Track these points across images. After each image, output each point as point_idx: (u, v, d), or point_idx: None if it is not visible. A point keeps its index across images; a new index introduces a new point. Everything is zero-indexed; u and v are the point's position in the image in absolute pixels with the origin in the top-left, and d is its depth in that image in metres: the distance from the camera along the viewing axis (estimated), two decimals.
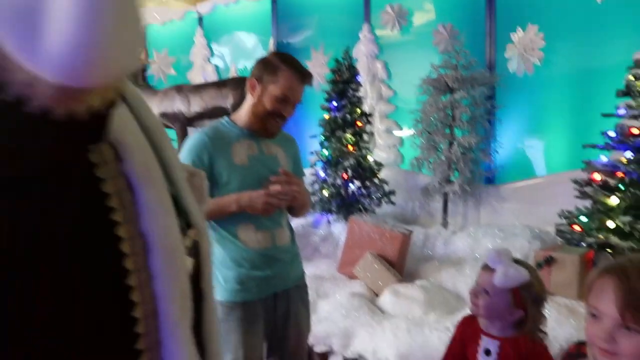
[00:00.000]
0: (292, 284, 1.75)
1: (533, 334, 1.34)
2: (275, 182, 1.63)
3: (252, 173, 1.66)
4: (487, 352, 1.35)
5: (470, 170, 4.37)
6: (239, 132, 1.71)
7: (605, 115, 3.32)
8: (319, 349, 2.78)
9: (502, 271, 1.29)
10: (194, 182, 0.77)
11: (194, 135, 1.72)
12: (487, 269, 1.36)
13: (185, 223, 0.67)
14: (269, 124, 1.69)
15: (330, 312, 2.98)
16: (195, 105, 5.33)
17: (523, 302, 1.31)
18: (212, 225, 1.68)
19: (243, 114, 1.72)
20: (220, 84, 5.38)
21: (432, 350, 2.59)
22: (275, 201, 1.59)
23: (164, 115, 5.39)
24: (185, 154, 1.68)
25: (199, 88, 5.45)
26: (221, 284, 1.67)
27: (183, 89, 5.51)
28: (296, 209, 1.79)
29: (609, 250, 3.05)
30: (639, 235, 2.95)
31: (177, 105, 5.40)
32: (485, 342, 1.36)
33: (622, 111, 3.19)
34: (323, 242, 4.35)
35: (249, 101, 1.72)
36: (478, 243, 3.90)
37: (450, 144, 4.37)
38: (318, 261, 4.02)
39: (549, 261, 3.02)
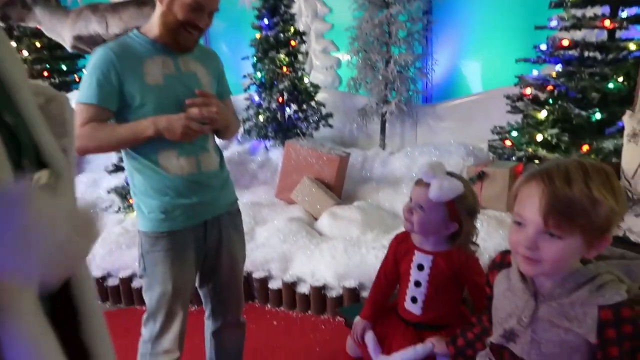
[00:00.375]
0: (223, 211, 1.65)
1: (466, 247, 1.33)
2: (191, 105, 1.47)
3: (169, 93, 1.49)
4: (420, 267, 1.33)
5: (407, 89, 4.32)
6: (150, 46, 1.50)
7: (538, 28, 3.29)
8: (257, 275, 2.76)
9: (436, 184, 1.24)
10: (51, 110, 0.62)
11: (97, 50, 1.49)
12: (421, 183, 1.31)
13: (36, 160, 0.53)
14: (182, 37, 1.49)
15: (268, 238, 2.94)
16: (114, 26, 4.84)
17: (457, 214, 1.29)
18: (129, 153, 1.52)
19: (154, 25, 1.51)
20: (141, 2, 4.88)
21: (370, 268, 2.62)
22: (196, 126, 1.44)
23: (79, 38, 4.87)
24: (87, 74, 1.47)
25: (117, 7, 4.92)
26: (144, 214, 1.55)
27: (99, 8, 4.96)
28: (221, 132, 1.65)
29: (536, 162, 3.14)
30: (564, 147, 3.04)
31: (93, 26, 4.88)
32: (418, 258, 1.34)
33: (554, 23, 3.17)
34: (260, 168, 4.24)
35: (157, 10, 1.50)
36: (415, 162, 3.93)
37: (387, 62, 4.26)
38: (256, 188, 3.93)
39: (481, 176, 3.08)
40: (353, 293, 2.58)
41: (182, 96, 1.49)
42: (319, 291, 2.63)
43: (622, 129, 3.16)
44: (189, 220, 1.56)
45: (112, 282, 2.90)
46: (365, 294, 2.57)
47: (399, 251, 1.39)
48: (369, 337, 1.39)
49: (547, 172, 0.86)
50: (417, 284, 1.34)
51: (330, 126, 4.44)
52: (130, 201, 3.10)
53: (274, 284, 2.76)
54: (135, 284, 2.84)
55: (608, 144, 2.86)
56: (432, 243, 1.33)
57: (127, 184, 2.78)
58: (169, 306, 1.59)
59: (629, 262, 0.92)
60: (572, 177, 0.84)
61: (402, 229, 3.10)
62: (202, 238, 1.62)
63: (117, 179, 3.69)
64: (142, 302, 2.78)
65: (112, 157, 3.73)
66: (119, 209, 3.54)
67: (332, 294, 2.62)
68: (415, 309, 1.35)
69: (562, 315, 0.90)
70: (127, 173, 1.59)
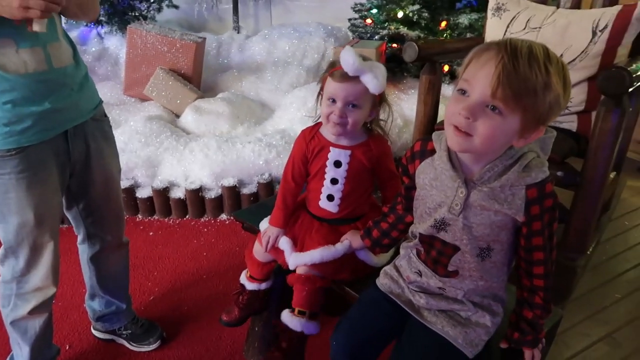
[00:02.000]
0: (86, 117, 1.32)
1: (378, 130, 1.26)
2: None
3: None
4: (337, 164, 1.23)
5: None
6: None
7: None
8: (122, 184, 2.44)
9: (371, 76, 1.10)
10: None
11: None
12: (345, 79, 1.13)
13: None
14: None
15: (126, 143, 2.58)
16: None
17: (382, 98, 1.19)
18: None
19: None
20: None
21: (247, 163, 2.49)
22: (36, 3, 1.04)
23: None
24: None
25: None
26: None
27: None
28: (70, 11, 1.24)
29: (396, 42, 3.16)
30: (424, 24, 3.09)
31: None
32: (335, 154, 1.22)
33: None
34: (97, 61, 3.62)
35: None
36: (274, 46, 3.70)
37: None
38: (97, 85, 3.32)
39: None
40: (233, 191, 2.45)
41: None
42: (196, 194, 2.45)
43: (470, 3, 3.30)
44: (44, 132, 1.23)
45: None
46: (245, 190, 2.46)
47: (310, 149, 1.26)
48: (284, 242, 1.30)
49: (511, 44, 0.80)
50: (334, 181, 1.25)
51: (176, 7, 3.89)
52: None
53: (142, 192, 2.49)
54: None
55: (463, 20, 2.96)
56: (350, 137, 1.23)
57: None
58: (32, 238, 1.31)
59: (544, 136, 0.94)
60: (535, 56, 0.79)
61: (273, 120, 2.98)
62: (64, 152, 1.30)
63: None
64: None
65: None
66: None
67: (211, 195, 2.46)
68: (331, 206, 1.28)
69: (492, 198, 0.90)
70: None
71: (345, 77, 1.13)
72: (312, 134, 1.26)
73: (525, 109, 0.81)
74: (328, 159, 1.23)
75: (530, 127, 0.84)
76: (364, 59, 1.13)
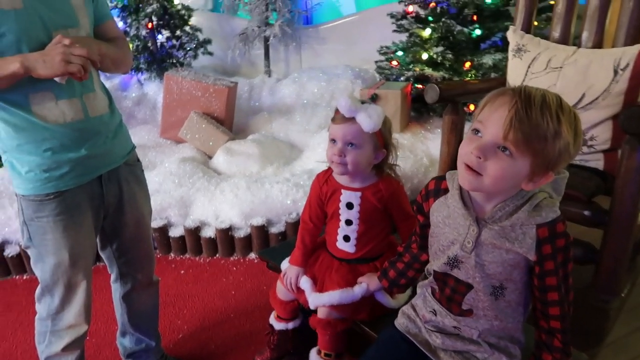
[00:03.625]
0: (120, 162, 1.42)
1: (389, 172, 1.30)
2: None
3: (32, 18, 1.16)
4: (350, 206, 1.27)
5: (289, 9, 4.10)
6: None
7: None
8: (155, 224, 2.54)
9: (364, 116, 1.16)
10: None
11: None
12: (342, 120, 1.21)
13: None
14: None
15: (161, 183, 2.70)
16: None
17: (384, 140, 1.24)
18: None
19: None
20: None
21: (276, 203, 2.55)
22: (80, 51, 1.14)
23: None
24: None
25: None
26: (21, 175, 1.26)
27: None
28: (105, 66, 1.36)
29: (421, 82, 3.22)
30: (448, 65, 3.14)
31: None
32: (346, 197, 1.27)
33: None
34: (137, 106, 3.83)
35: None
36: (304, 88, 3.83)
37: None
38: (135, 128, 3.55)
39: (374, 99, 3.09)
40: (262, 231, 2.50)
41: (49, 20, 1.19)
42: (226, 233, 2.52)
43: (495, 44, 3.35)
44: (80, 177, 1.32)
45: None
46: (273, 230, 2.51)
47: (324, 192, 1.32)
48: (304, 282, 1.33)
49: (525, 91, 0.85)
50: (348, 222, 1.29)
51: (210, 54, 4.10)
52: None
53: (174, 232, 2.58)
54: (9, 251, 2.46)
55: (487, 60, 3.00)
56: (359, 179, 1.28)
57: None
58: (67, 277, 1.38)
59: (555, 177, 0.95)
60: (548, 104, 0.83)
61: (302, 161, 3.05)
62: (98, 196, 1.39)
63: None
64: (19, 271, 2.47)
65: None
66: None
67: (240, 234, 2.52)
68: (348, 247, 1.31)
69: (503, 237, 0.92)
70: None
71: (343, 119, 1.19)
72: (325, 177, 1.32)
73: (535, 153, 0.84)
74: (340, 201, 1.27)
75: (540, 172, 0.87)
76: (362, 102, 1.20)
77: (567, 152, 0.85)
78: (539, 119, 0.81)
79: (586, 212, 1.76)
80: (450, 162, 2.20)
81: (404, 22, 3.39)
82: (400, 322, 1.14)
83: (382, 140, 1.25)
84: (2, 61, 1.12)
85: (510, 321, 1.00)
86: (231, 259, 2.55)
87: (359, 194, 1.27)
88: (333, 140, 1.23)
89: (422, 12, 3.36)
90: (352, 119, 1.19)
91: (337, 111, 1.23)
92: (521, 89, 0.85)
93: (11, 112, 1.22)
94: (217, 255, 2.58)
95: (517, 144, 0.83)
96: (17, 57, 1.12)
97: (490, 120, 0.86)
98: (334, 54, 4.25)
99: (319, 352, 1.32)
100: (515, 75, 2.18)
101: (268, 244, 2.53)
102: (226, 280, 2.36)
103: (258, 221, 2.51)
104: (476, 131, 0.89)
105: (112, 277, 1.63)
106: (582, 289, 1.80)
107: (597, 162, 1.94)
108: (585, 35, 2.07)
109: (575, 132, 0.85)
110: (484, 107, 0.89)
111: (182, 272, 2.45)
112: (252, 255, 2.55)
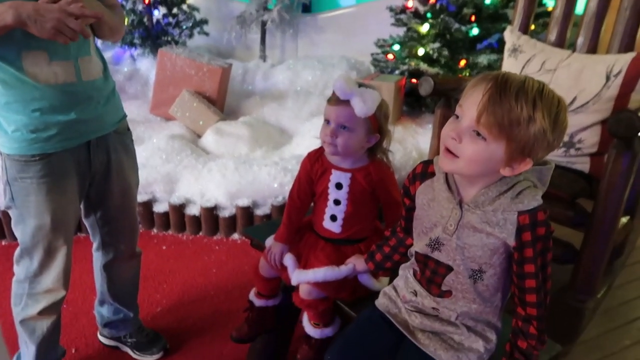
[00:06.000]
0: (109, 129, 1.40)
1: (384, 156, 1.30)
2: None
3: None
4: (339, 186, 1.27)
5: None
6: None
7: None
8: (140, 198, 2.52)
9: (359, 100, 1.16)
10: None
11: None
12: (337, 102, 1.20)
13: None
14: None
15: (148, 158, 2.67)
16: None
17: (378, 124, 1.24)
18: None
19: None
20: None
21: (262, 185, 2.55)
22: (74, 24, 1.13)
23: None
24: None
25: None
26: (7, 134, 1.24)
27: None
28: (103, 30, 1.35)
29: (416, 77, 3.23)
30: (444, 62, 3.16)
31: None
32: (336, 177, 1.27)
33: None
34: (128, 80, 3.78)
35: None
36: (298, 76, 3.82)
37: None
38: (125, 103, 3.44)
39: None
40: (247, 212, 2.50)
41: None
42: (211, 212, 2.51)
43: (491, 45, 3.37)
44: (67, 141, 1.30)
45: None
46: (258, 212, 2.51)
47: (315, 170, 1.31)
48: (288, 259, 1.33)
49: (504, 77, 0.85)
50: (337, 202, 1.29)
51: (206, 34, 4.07)
52: None
53: (159, 207, 2.56)
54: None
55: (482, 59, 3.02)
56: (351, 161, 1.28)
57: None
58: (47, 241, 1.37)
59: (541, 167, 0.97)
60: (525, 90, 0.83)
61: (290, 146, 3.04)
62: (85, 162, 1.37)
63: None
64: (4, 235, 2.43)
65: None
66: None
67: (225, 213, 2.52)
68: (334, 227, 1.32)
69: (484, 221, 0.93)
70: None
71: (337, 101, 1.19)
72: (316, 156, 1.32)
73: (509, 138, 0.84)
74: (330, 180, 1.27)
75: (516, 158, 0.87)
76: (360, 85, 1.19)
77: (543, 138, 0.85)
78: (512, 103, 0.82)
79: (569, 213, 1.78)
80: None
81: (402, 16, 3.39)
82: (381, 302, 1.15)
83: (376, 124, 1.24)
84: None
85: (488, 305, 1.01)
86: (214, 238, 2.54)
87: (349, 174, 1.27)
88: (327, 121, 1.23)
89: (421, 8, 3.37)
90: (347, 102, 1.18)
91: (334, 92, 1.23)
92: (502, 74, 0.86)
93: (1, 68, 1.20)
94: (201, 233, 2.57)
95: (489, 128, 0.84)
96: (12, 8, 1.09)
97: (467, 104, 0.87)
98: (331, 44, 4.25)
99: (309, 320, 1.34)
100: None
101: (252, 225, 2.52)
102: (208, 259, 2.36)
103: (244, 202, 2.50)
104: (456, 116, 0.90)
105: (94, 245, 1.61)
106: (560, 289, 1.84)
107: (584, 165, 1.97)
108: (580, 40, 2.10)
109: (554, 120, 0.84)
110: (464, 94, 0.90)
111: (164, 247, 2.44)
112: (236, 236, 2.55)
